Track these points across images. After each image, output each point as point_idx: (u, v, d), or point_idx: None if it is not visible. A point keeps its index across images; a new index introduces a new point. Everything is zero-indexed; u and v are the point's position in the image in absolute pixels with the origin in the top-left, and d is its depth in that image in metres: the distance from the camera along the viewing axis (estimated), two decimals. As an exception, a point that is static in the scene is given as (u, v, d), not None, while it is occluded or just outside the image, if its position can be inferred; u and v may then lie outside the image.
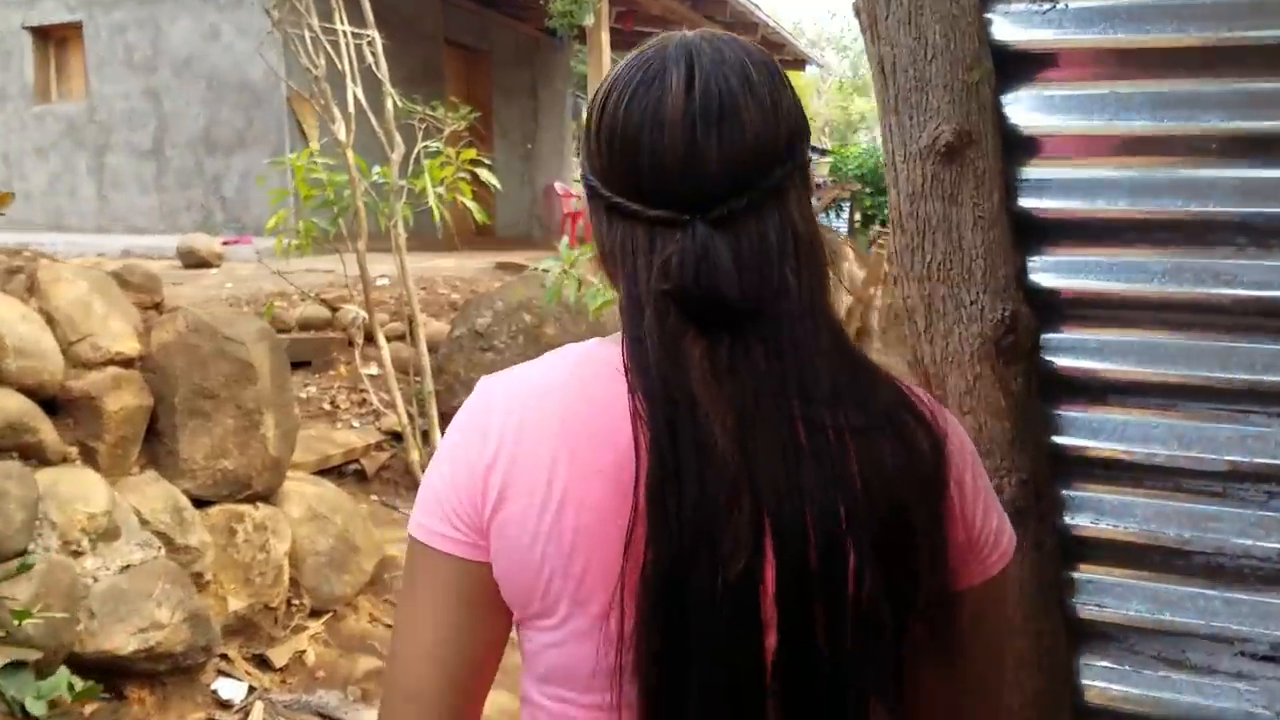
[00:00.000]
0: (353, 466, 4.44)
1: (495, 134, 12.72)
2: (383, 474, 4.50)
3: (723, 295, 0.71)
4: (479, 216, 5.10)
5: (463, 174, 5.04)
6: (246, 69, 8.75)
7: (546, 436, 0.75)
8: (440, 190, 5.02)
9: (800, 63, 13.30)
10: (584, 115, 0.85)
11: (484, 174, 5.10)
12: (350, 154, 4.54)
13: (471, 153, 5.00)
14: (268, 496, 3.06)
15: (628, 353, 0.74)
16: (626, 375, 0.72)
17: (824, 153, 17.99)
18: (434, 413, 4.56)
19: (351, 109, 4.60)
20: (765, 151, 0.75)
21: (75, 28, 10.04)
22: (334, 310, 5.74)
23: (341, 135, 4.56)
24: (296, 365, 5.24)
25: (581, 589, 0.74)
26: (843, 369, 0.74)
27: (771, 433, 0.70)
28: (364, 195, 4.72)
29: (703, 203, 0.73)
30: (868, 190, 14.37)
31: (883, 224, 14.29)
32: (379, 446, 4.59)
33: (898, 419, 0.74)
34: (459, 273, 7.88)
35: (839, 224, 15.89)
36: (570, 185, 14.26)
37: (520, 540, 0.74)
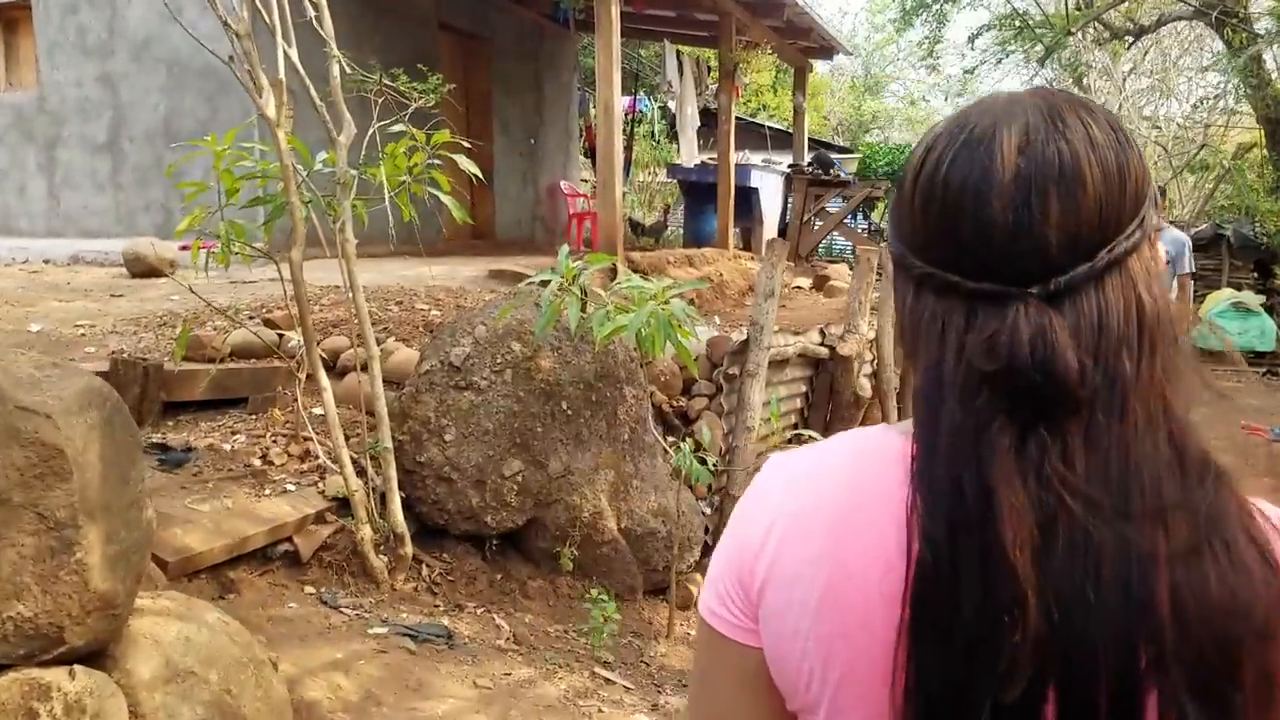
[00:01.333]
0: (283, 548, 3.35)
1: (495, 128, 11.65)
2: (323, 556, 3.41)
3: (1057, 379, 0.65)
4: (457, 214, 4.02)
5: (436, 162, 3.98)
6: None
7: (814, 529, 0.73)
8: (406, 180, 3.95)
9: (829, 50, 12.18)
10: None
11: (464, 162, 4.02)
12: (282, 135, 3.46)
13: (445, 135, 3.92)
14: (95, 653, 1.97)
15: (918, 438, 0.69)
16: (912, 464, 0.68)
17: (846, 150, 16.87)
18: (393, 471, 3.48)
19: (283, 76, 3.51)
20: (1110, 218, 0.68)
21: (24, 8, 9.00)
22: (282, 333, 4.66)
23: (270, 111, 3.48)
24: (227, 403, 4.16)
25: (840, 696, 0.72)
26: (1173, 475, 0.66)
27: (1073, 546, 0.63)
28: (302, 188, 3.64)
29: (1035, 275, 0.67)
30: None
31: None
32: (321, 518, 3.50)
33: (1233, 541, 0.65)
34: (446, 282, 6.80)
35: (861, 225, 14.77)
36: (576, 184, 13.17)
37: (783, 632, 0.74)
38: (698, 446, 3.71)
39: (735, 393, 4.47)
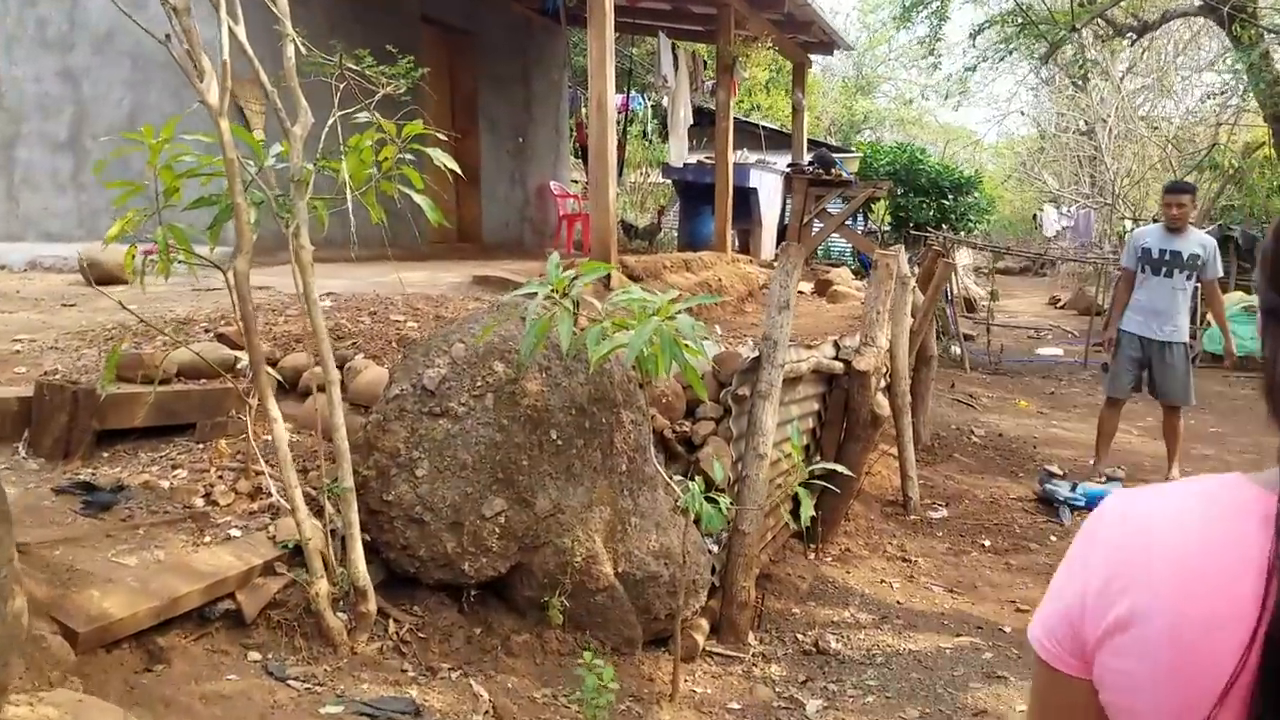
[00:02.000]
0: (224, 606, 2.86)
1: (481, 126, 11.17)
2: (272, 615, 2.92)
3: None
4: (432, 215, 3.55)
5: (408, 157, 3.51)
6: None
7: (1162, 578, 0.74)
8: (374, 177, 3.49)
9: (829, 45, 11.73)
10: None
11: (438, 156, 3.55)
12: (225, 125, 2.97)
13: (417, 126, 3.45)
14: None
15: None
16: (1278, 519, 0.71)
17: (846, 150, 16.43)
18: (354, 515, 2.99)
19: (227, 57, 3.03)
20: None
21: (-20, -1, 8.48)
22: (238, 349, 4.17)
23: (211, 97, 2.99)
24: (175, 430, 3.68)
25: None
26: None
27: None
28: (251, 186, 3.16)
29: None
30: (901, 189, 12.81)
31: (918, 226, 12.70)
32: (270, 569, 3.01)
33: None
34: (427, 289, 6.31)
35: (860, 227, 14.32)
36: (567, 185, 12.69)
37: (1119, 672, 0.76)
38: (709, 484, 3.23)
39: (745, 415, 4.00)
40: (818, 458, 5.21)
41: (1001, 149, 42.06)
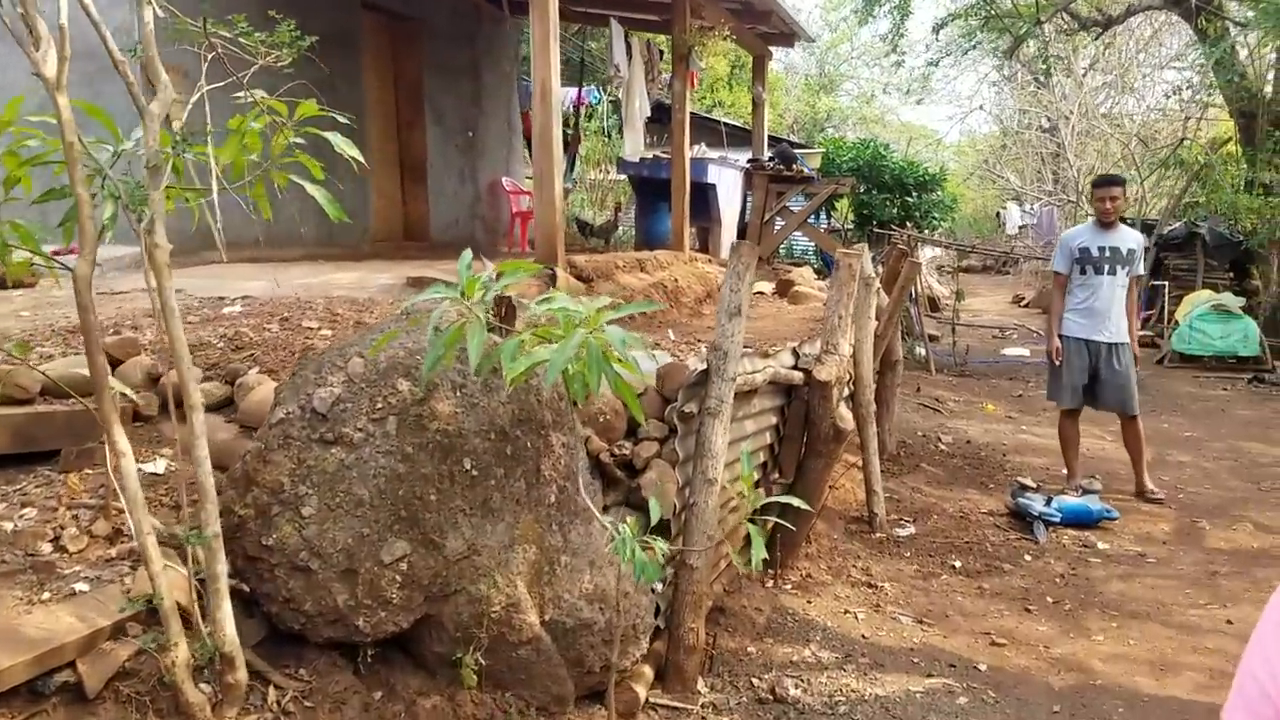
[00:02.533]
0: (62, 678, 2.38)
1: (428, 119, 10.65)
2: (121, 688, 2.44)
3: None
4: (332, 211, 3.09)
5: (300, 141, 3.04)
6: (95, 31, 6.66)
7: None
8: (264, 166, 3.03)
9: (790, 37, 11.34)
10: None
11: (339, 142, 3.08)
12: (63, 101, 2.48)
13: (311, 107, 2.98)
14: None
15: None
16: None
17: (806, 146, 16.06)
18: (221, 567, 2.51)
19: (65, 20, 2.54)
20: None
21: (-123, -22, 7.84)
22: (117, 364, 3.67)
23: (48, 69, 2.50)
24: (39, 457, 3.18)
25: None
26: None
27: None
28: (104, 176, 2.68)
29: None
30: (865, 186, 12.44)
31: (882, 223, 12.36)
32: (121, 631, 2.53)
33: None
34: (355, 291, 5.82)
35: (823, 224, 13.96)
36: (520, 181, 12.20)
37: None
38: (647, 524, 2.78)
39: (693, 435, 3.56)
40: (776, 475, 4.80)
41: (963, 147, 42.09)
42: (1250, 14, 11.81)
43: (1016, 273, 26.97)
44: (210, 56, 2.77)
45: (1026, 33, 14.02)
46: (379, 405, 2.82)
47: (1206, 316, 12.28)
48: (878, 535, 5.61)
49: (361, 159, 3.17)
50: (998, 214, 29.45)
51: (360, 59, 9.65)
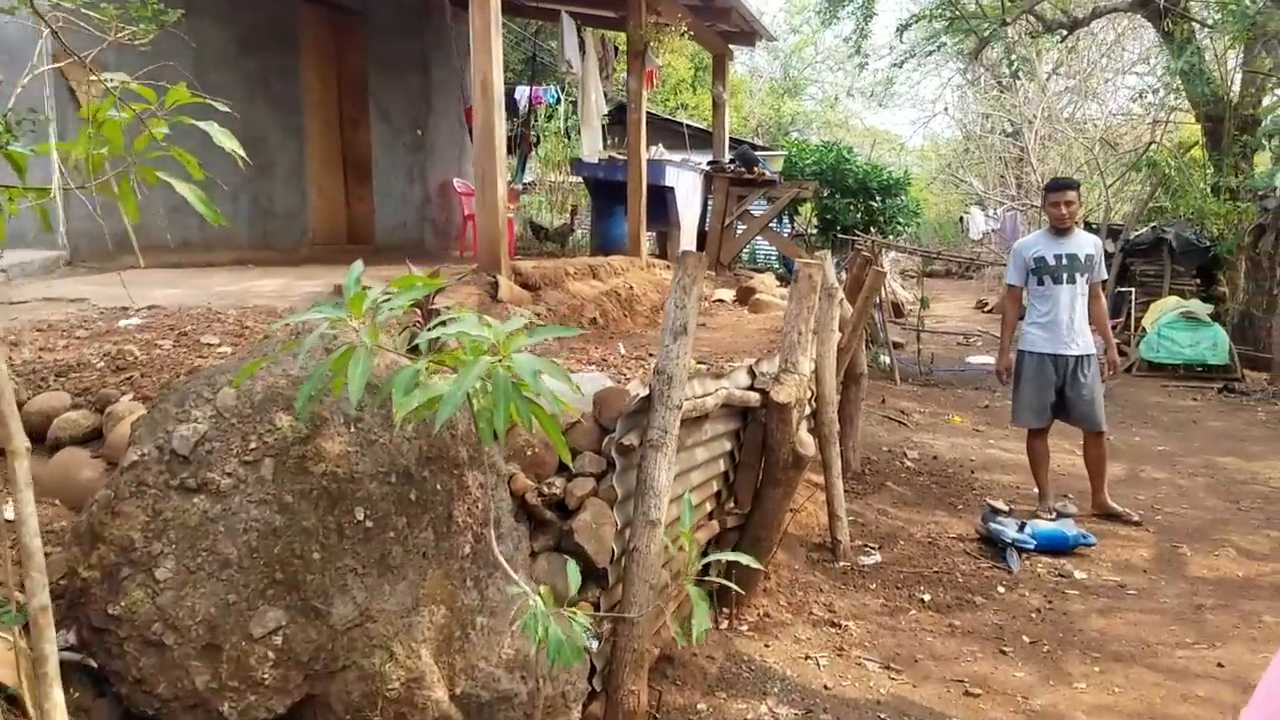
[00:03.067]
0: None
1: (372, 116, 10.17)
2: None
3: None
4: (208, 214, 2.62)
5: (169, 127, 2.57)
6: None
7: None
8: (128, 162, 2.56)
9: (751, 36, 10.97)
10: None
11: (216, 133, 2.62)
12: None
13: (182, 92, 2.52)
14: None
15: None
16: None
17: (768, 148, 15.70)
18: (50, 647, 2.05)
19: None
20: None
21: None
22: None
23: None
24: None
25: None
26: None
27: None
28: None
29: None
30: (828, 191, 12.10)
31: (845, 229, 12.02)
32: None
33: None
34: (276, 300, 5.34)
35: (786, 230, 13.61)
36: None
37: None
38: (586, 564, 2.35)
39: (634, 470, 3.14)
40: (731, 504, 4.39)
41: (927, 152, 42.11)
42: (1217, 16, 11.61)
43: (980, 278, 26.83)
44: (46, 33, 2.32)
45: (992, 34, 13.78)
46: (253, 445, 2.38)
47: (1175, 324, 12.07)
48: (841, 564, 5.23)
49: (243, 153, 2.71)
50: (961, 219, 29.36)
51: (299, 53, 9.15)
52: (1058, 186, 6.11)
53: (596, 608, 3.05)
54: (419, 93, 10.99)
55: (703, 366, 4.91)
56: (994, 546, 5.50)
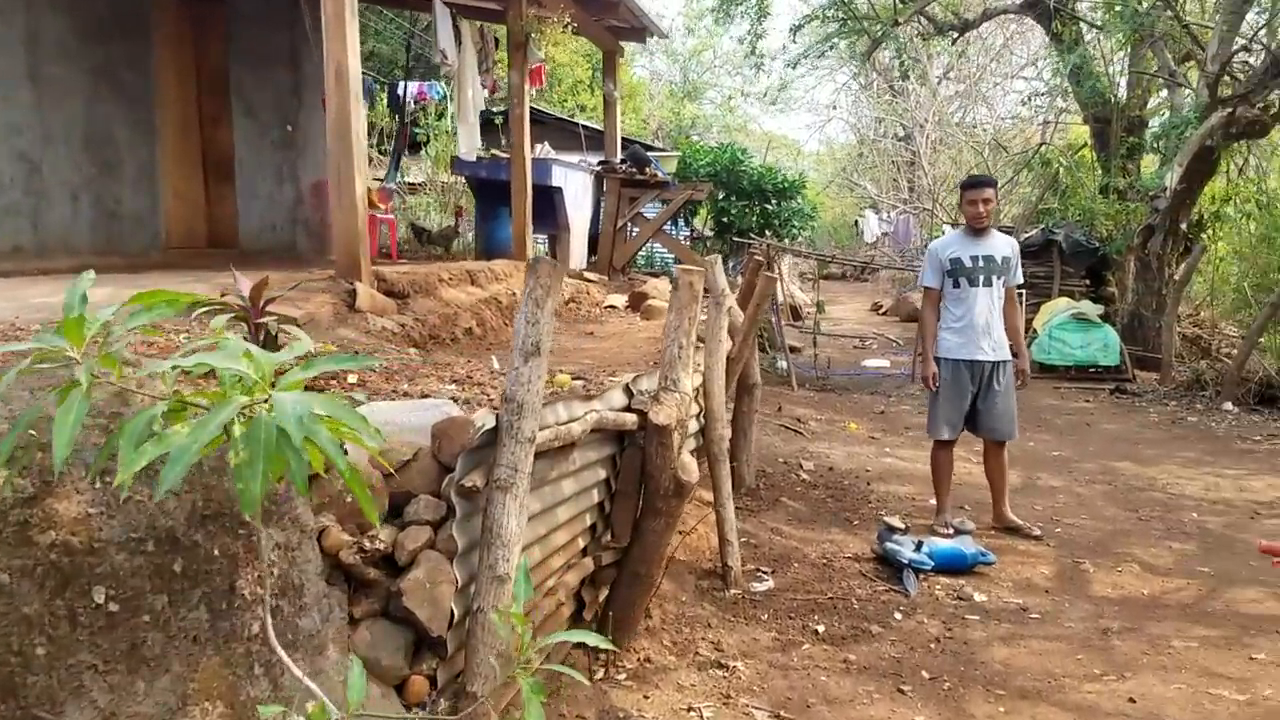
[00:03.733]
0: None
1: (235, 111, 9.46)
2: None
3: None
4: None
5: None
6: None
7: None
8: None
9: (641, 32, 10.59)
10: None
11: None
12: None
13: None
14: None
15: None
16: None
17: (661, 149, 15.34)
18: None
19: None
20: None
21: None
22: None
23: None
24: None
25: None
26: None
27: None
28: None
29: None
30: (723, 193, 11.80)
31: (741, 233, 11.74)
32: None
33: None
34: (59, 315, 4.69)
35: (683, 233, 13.29)
36: (386, 183, 11.06)
37: None
38: (420, 634, 1.87)
39: (479, 516, 2.68)
40: (608, 538, 3.96)
41: (823, 156, 42.56)
42: (1105, 17, 11.70)
43: (875, 280, 27.07)
44: None
45: (884, 35, 13.69)
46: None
47: (1065, 325, 12.12)
48: (732, 593, 4.84)
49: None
50: (856, 222, 29.60)
51: (151, 44, 8.43)
52: (974, 184, 5.83)
53: (433, 683, 2.58)
54: (289, 87, 10.29)
55: (579, 383, 4.48)
56: (891, 567, 5.20)
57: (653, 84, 42.25)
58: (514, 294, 7.18)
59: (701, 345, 5.07)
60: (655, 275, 11.39)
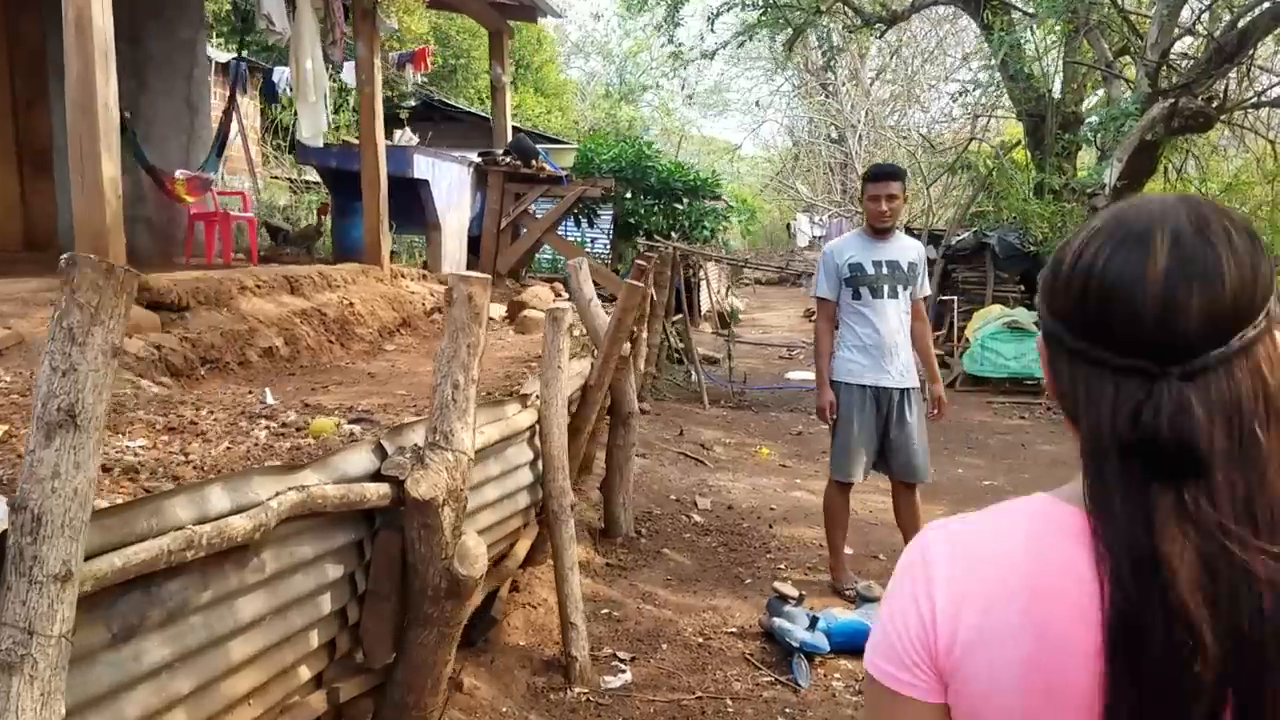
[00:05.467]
0: None
1: (54, 94, 8.14)
2: None
3: (1193, 445, 0.78)
4: None
5: None
6: None
7: (1009, 598, 0.83)
8: None
9: (531, 10, 9.47)
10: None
11: None
12: None
13: None
14: None
15: (1094, 505, 0.82)
16: (1094, 530, 0.81)
17: (556, 140, 14.02)
18: None
19: None
20: (1243, 311, 0.81)
21: None
22: None
23: None
24: None
25: None
26: None
27: (1236, 582, 0.76)
28: None
29: (1176, 355, 0.80)
30: (629, 191, 10.72)
31: (650, 234, 10.66)
32: None
33: None
34: None
35: (580, 235, 12.18)
36: (205, 172, 9.78)
37: (985, 693, 0.84)
38: None
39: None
40: (360, 657, 2.82)
41: (759, 160, 41.85)
42: (1038, 4, 10.85)
43: (809, 285, 26.27)
44: None
45: (806, 23, 12.74)
46: None
47: (999, 335, 11.24)
48: (576, 692, 3.76)
49: None
50: (788, 226, 28.77)
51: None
52: (879, 175, 4.80)
53: None
54: (126, 67, 8.97)
55: (356, 427, 3.36)
56: (779, 645, 4.15)
57: (589, 85, 41.34)
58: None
59: (537, 370, 3.98)
60: (555, 281, 10.27)
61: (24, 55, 8.10)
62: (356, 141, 7.72)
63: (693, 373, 10.62)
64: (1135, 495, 0.78)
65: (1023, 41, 12.66)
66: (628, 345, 5.35)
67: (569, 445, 4.62)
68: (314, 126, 7.09)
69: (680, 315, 11.02)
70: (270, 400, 3.97)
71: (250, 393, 4.09)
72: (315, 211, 9.61)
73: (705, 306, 17.31)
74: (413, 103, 18.37)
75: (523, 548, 4.27)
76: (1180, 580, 0.74)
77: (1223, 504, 0.76)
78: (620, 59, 41.76)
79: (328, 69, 8.08)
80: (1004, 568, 0.84)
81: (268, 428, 3.30)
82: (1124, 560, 0.76)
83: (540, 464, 4.03)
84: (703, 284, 16.61)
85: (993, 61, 12.29)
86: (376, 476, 2.68)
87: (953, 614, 0.84)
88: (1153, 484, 0.77)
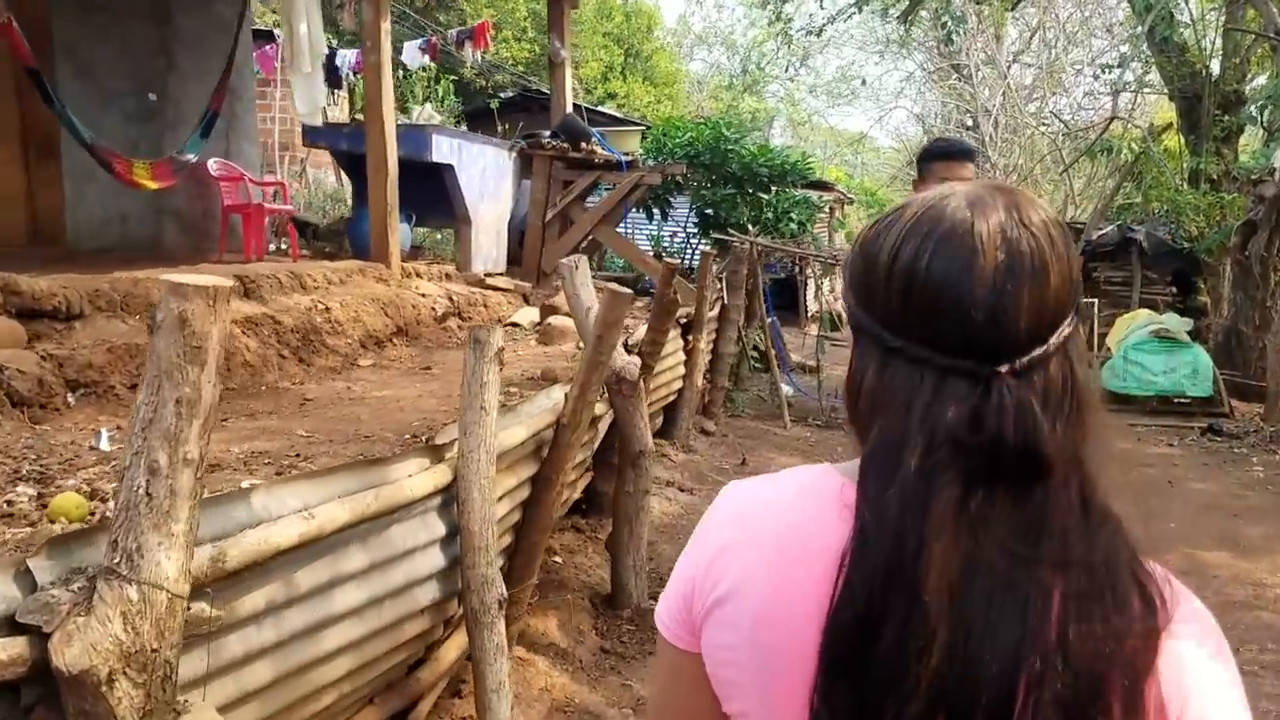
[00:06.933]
0: None
1: (62, 75, 7.47)
2: None
3: (1014, 445, 0.74)
4: None
5: None
6: None
7: (755, 557, 0.83)
8: None
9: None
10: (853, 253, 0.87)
11: None
12: None
13: None
14: None
15: (866, 488, 0.77)
16: (857, 510, 0.77)
17: (621, 121, 12.70)
18: None
19: None
20: (1062, 307, 0.79)
21: None
22: None
23: None
24: None
25: (763, 711, 0.82)
26: (1081, 530, 0.75)
27: (987, 591, 0.73)
28: None
29: (1004, 355, 0.77)
30: (711, 179, 9.48)
31: (727, 228, 9.38)
32: None
33: (1122, 593, 0.74)
34: None
35: (652, 232, 10.96)
36: (251, 166, 9.02)
37: (719, 645, 0.85)
38: None
39: None
40: None
41: (887, 151, 39.85)
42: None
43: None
44: None
45: (921, -9, 11.24)
46: None
47: (1145, 345, 9.54)
48: None
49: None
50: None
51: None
52: (949, 152, 3.56)
53: None
54: (154, 44, 8.29)
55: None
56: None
57: (709, 76, 40.30)
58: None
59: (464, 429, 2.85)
60: (623, 282, 9.11)
61: (29, 30, 7.44)
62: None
63: (784, 385, 9.33)
64: (923, 486, 0.73)
65: (1174, 6, 10.83)
66: (633, 368, 4.18)
67: (539, 501, 3.52)
68: (310, 102, 6.16)
69: (771, 319, 9.74)
70: (105, 445, 2.95)
71: (91, 428, 3.10)
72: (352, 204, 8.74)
73: (814, 308, 15.91)
74: (509, 93, 17.56)
75: (454, 646, 3.17)
76: (932, 576, 0.71)
77: (1004, 511, 0.73)
78: (744, 49, 40.39)
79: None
80: (763, 525, 0.84)
81: (8, 502, 2.27)
82: (883, 546, 0.73)
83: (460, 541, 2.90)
84: (810, 282, 15.24)
85: (1139, 28, 10.53)
86: (12, 625, 1.59)
87: (711, 566, 0.84)
88: (941, 484, 0.73)
